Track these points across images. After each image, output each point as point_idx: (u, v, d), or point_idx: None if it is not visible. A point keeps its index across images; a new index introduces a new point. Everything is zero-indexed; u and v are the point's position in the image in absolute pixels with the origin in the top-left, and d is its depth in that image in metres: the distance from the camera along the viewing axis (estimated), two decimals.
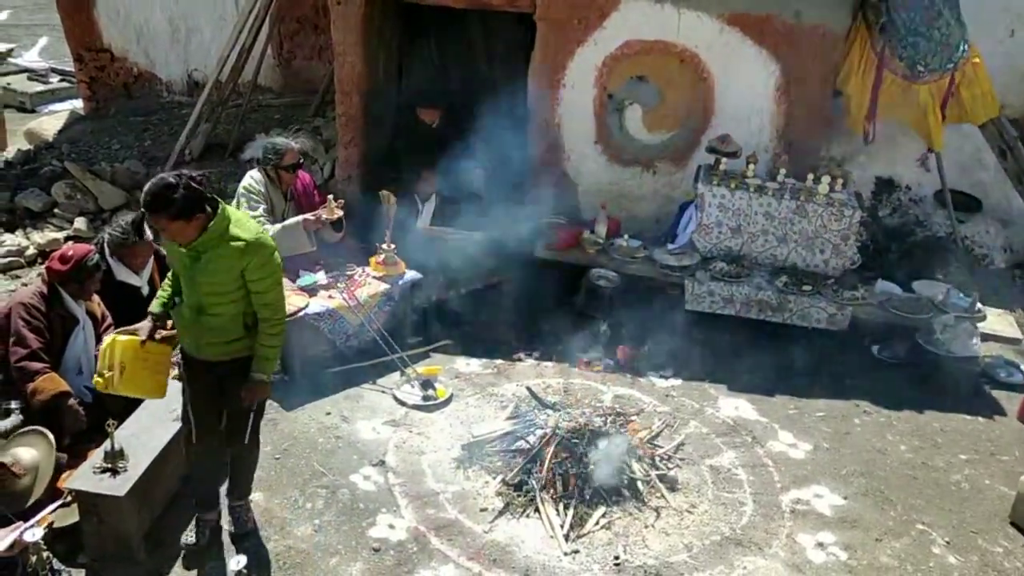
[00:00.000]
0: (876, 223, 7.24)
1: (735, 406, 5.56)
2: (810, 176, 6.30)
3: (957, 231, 7.15)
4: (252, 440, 4.06)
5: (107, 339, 3.91)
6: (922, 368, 5.81)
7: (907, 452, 5.21)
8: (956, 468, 5.09)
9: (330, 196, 5.85)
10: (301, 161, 5.88)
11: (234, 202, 5.74)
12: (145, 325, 3.89)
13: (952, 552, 4.42)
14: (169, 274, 3.95)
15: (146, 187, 3.53)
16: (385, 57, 7.25)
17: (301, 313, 5.43)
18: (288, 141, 5.85)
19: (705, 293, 6.14)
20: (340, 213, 5.76)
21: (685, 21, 6.38)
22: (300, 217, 5.74)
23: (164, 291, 3.92)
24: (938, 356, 5.81)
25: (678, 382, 5.78)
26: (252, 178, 5.78)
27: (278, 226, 5.65)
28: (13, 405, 4.41)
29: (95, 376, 3.89)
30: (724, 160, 6.41)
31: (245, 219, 3.76)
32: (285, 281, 5.61)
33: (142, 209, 3.62)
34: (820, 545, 4.42)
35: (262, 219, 5.60)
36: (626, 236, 6.58)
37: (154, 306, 3.92)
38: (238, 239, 3.60)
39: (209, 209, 3.57)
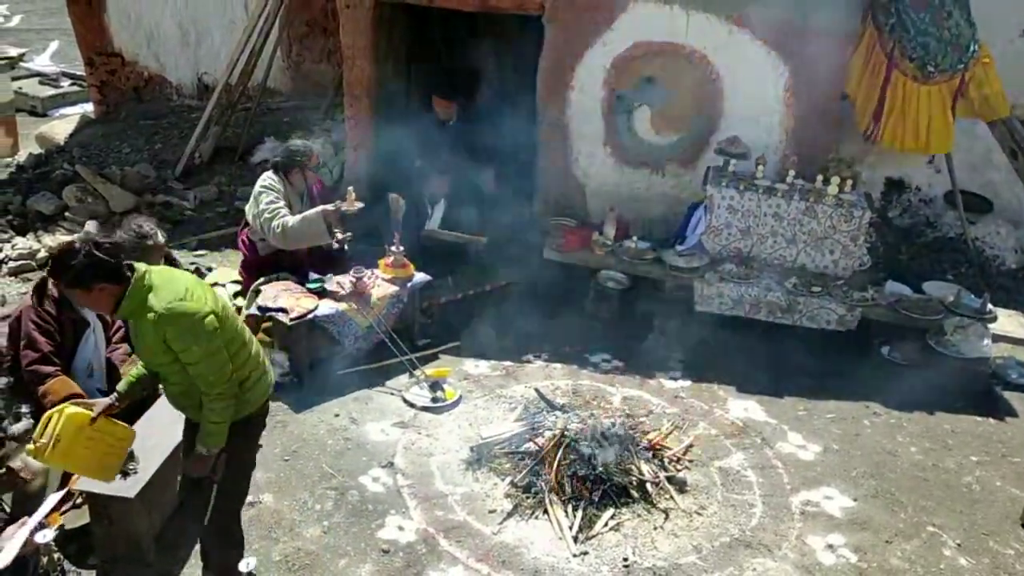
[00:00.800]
0: (886, 224, 7.22)
1: (744, 407, 5.55)
2: (819, 177, 6.29)
3: (968, 232, 7.12)
4: (196, 513, 3.70)
5: (56, 408, 3.55)
6: (932, 369, 5.78)
7: (917, 454, 5.19)
8: (967, 470, 5.06)
9: (350, 187, 5.84)
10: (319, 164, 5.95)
11: (251, 200, 5.79)
12: (103, 402, 3.60)
13: (963, 554, 4.40)
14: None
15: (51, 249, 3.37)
16: (394, 60, 7.27)
17: (310, 315, 5.45)
18: (309, 143, 5.89)
19: (714, 295, 6.13)
20: (360, 205, 5.76)
21: (694, 23, 6.37)
22: (320, 208, 5.74)
23: (135, 369, 3.68)
24: (949, 357, 5.78)
25: (687, 383, 5.77)
26: (270, 178, 5.82)
27: (298, 217, 5.66)
28: (24, 409, 4.43)
29: (28, 443, 3.61)
30: (733, 162, 6.40)
31: (166, 285, 3.37)
32: (292, 286, 5.68)
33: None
34: (830, 547, 4.40)
35: (281, 210, 5.65)
36: (635, 238, 6.58)
37: (121, 385, 3.68)
38: (151, 310, 3.29)
39: (116, 280, 3.28)
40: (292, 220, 5.64)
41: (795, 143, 6.59)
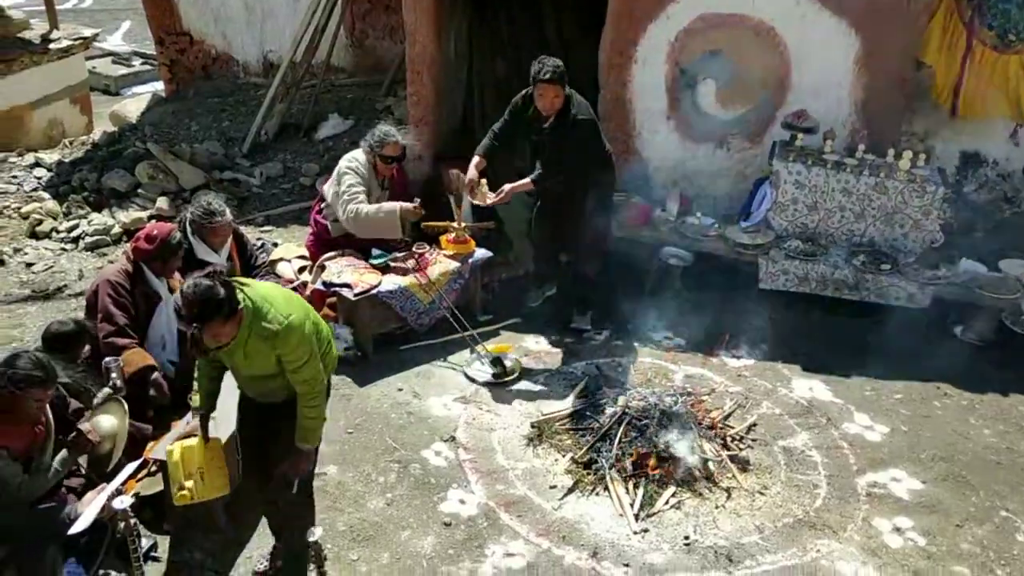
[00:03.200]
0: (960, 200, 6.98)
1: (809, 387, 5.46)
2: (890, 152, 6.11)
3: None
4: (301, 498, 3.90)
5: (170, 449, 3.81)
6: (1007, 349, 5.60)
7: (990, 436, 5.05)
8: None
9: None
10: (402, 156, 5.94)
11: (333, 177, 5.86)
12: (195, 424, 3.87)
13: None
14: (198, 365, 3.88)
15: (185, 297, 3.36)
16: (456, 36, 7.26)
17: (374, 291, 5.52)
18: (394, 132, 5.91)
19: (779, 271, 6.03)
20: (422, 213, 5.81)
21: None
22: (399, 204, 5.79)
23: (202, 383, 3.85)
24: None
25: (751, 362, 5.69)
26: (356, 159, 5.89)
27: (374, 207, 5.72)
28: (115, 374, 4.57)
29: (177, 492, 3.80)
30: (800, 136, 6.26)
31: (267, 303, 3.54)
32: (356, 261, 5.76)
33: (193, 325, 3.41)
34: (897, 530, 4.33)
35: (359, 195, 5.72)
36: (698, 214, 6.50)
37: (196, 401, 3.88)
38: (266, 330, 3.48)
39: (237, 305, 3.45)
40: (367, 209, 5.70)
41: (865, 116, 6.41)
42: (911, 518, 4.40)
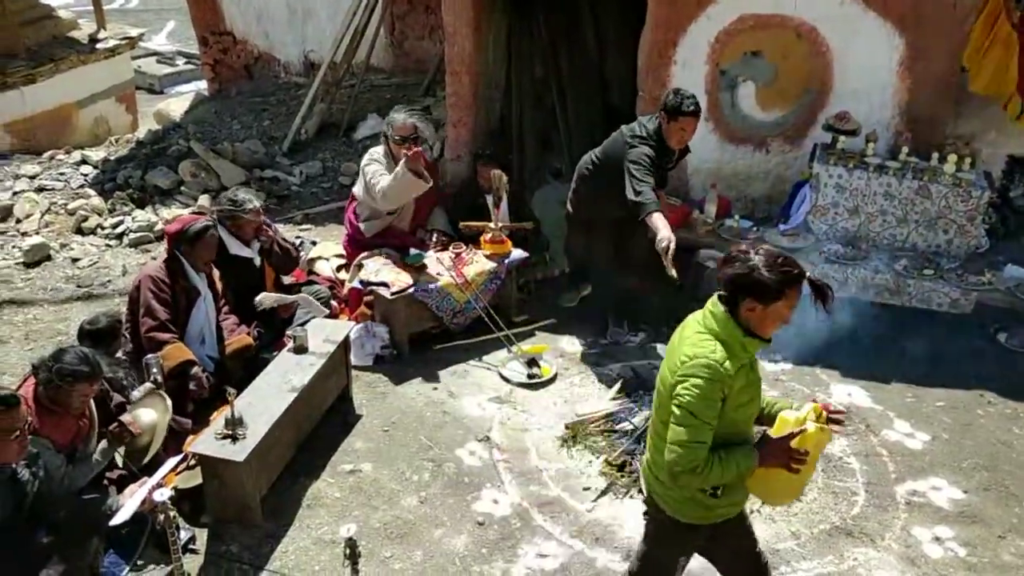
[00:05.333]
0: (1007, 204, 6.84)
1: (848, 392, 5.39)
2: (935, 155, 6.01)
3: None
4: None
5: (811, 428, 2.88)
6: None
7: None
8: None
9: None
10: (415, 136, 5.96)
11: (359, 177, 5.94)
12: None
13: None
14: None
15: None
16: (494, 37, 7.28)
17: (410, 290, 5.55)
18: (403, 115, 5.96)
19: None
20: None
21: None
22: (400, 164, 5.71)
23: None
24: None
25: (788, 366, 5.63)
26: (373, 152, 6.00)
27: (388, 177, 5.73)
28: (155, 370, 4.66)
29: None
30: (842, 138, 6.18)
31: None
32: (394, 260, 5.81)
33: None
34: (937, 539, 4.25)
35: (381, 176, 5.76)
36: (737, 216, 6.44)
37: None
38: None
39: None
40: (385, 182, 5.74)
41: (909, 119, 6.31)
42: (952, 528, 4.33)
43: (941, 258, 5.97)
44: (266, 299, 5.39)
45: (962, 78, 6.22)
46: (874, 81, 6.27)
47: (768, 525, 4.30)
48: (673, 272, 4.75)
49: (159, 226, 7.35)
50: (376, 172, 5.84)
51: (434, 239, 6.15)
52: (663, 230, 4.77)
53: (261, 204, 5.51)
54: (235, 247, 5.36)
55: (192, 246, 4.87)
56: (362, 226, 6.06)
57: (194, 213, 5.74)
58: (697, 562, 4.00)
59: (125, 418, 4.16)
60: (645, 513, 3.30)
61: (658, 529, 3.23)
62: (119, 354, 4.90)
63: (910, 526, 4.34)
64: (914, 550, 4.18)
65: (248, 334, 5.14)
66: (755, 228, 6.35)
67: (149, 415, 4.32)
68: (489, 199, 6.13)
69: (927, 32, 6.04)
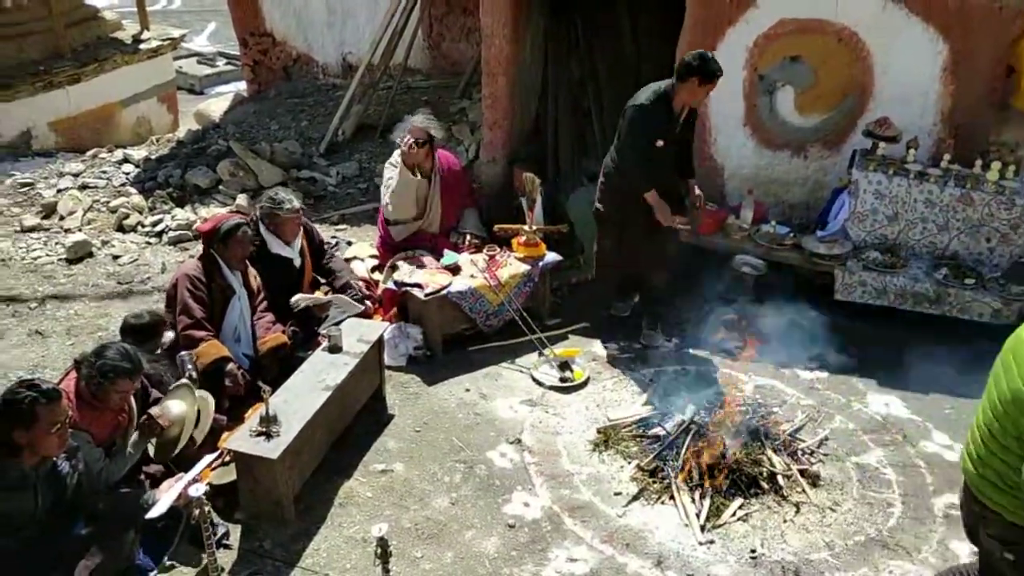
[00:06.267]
0: None
1: (885, 402, 5.31)
2: (978, 162, 5.91)
3: None
4: None
5: None
6: None
7: None
8: None
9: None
10: (427, 139, 6.00)
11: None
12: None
13: None
14: None
15: None
16: (532, 39, 7.28)
17: (444, 291, 5.57)
18: (416, 118, 6.01)
19: (856, 283, 5.88)
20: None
21: None
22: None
23: None
24: None
25: (824, 375, 5.57)
26: (389, 163, 6.10)
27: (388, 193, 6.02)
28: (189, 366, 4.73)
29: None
30: (882, 145, 6.09)
31: None
32: (428, 261, 5.84)
33: None
34: (976, 554, 4.17)
35: (385, 194, 5.99)
36: (773, 222, 6.38)
37: None
38: None
39: None
40: (386, 199, 6.00)
41: (952, 125, 6.20)
42: None
43: (983, 267, 5.87)
44: (301, 299, 5.44)
45: (1008, 83, 6.11)
46: (916, 87, 6.18)
47: (802, 535, 4.26)
48: (678, 223, 5.38)
49: (197, 224, 7.44)
50: (385, 194, 6.02)
51: (467, 241, 6.18)
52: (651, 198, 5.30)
53: (300, 205, 5.57)
54: (276, 246, 5.43)
55: (225, 244, 4.94)
56: (392, 230, 6.14)
57: (232, 212, 5.82)
58: (729, 570, 3.98)
59: (154, 411, 4.22)
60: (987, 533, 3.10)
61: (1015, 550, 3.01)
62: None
63: (948, 540, 4.26)
64: (952, 564, 4.11)
65: (283, 332, 5.19)
66: (792, 235, 6.29)
67: (178, 407, 4.38)
68: (523, 201, 6.14)
69: (971, 36, 5.94)
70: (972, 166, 5.93)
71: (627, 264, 5.87)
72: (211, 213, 7.54)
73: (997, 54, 5.99)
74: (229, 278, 5.01)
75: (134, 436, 4.18)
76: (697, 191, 5.65)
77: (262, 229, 5.38)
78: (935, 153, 6.14)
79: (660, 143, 5.29)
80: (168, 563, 3.95)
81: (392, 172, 6.02)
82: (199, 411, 4.40)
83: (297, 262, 5.55)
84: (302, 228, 5.57)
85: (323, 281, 5.80)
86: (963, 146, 6.07)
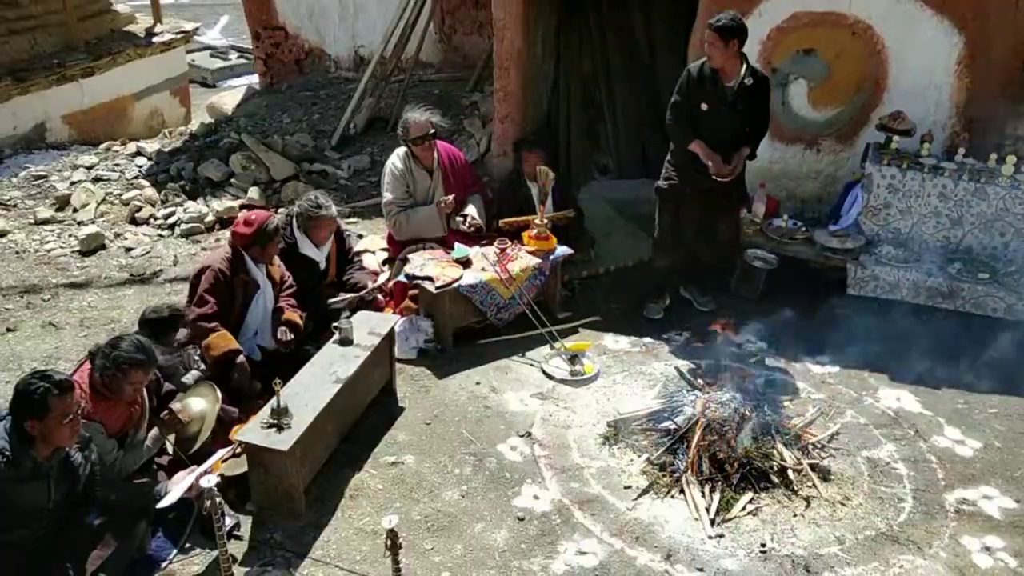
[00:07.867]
0: None
1: (897, 397, 5.29)
2: (992, 156, 5.87)
3: None
4: None
5: None
6: None
7: None
8: None
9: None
10: (431, 133, 5.98)
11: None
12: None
13: None
14: None
15: None
16: (544, 33, 7.26)
17: (455, 284, 5.57)
18: (415, 114, 5.98)
19: (869, 277, 5.86)
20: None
21: None
22: (434, 205, 5.98)
23: None
24: None
25: (835, 369, 5.54)
26: (396, 156, 6.04)
27: (410, 213, 5.94)
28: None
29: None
30: (896, 138, 6.06)
31: None
32: (439, 254, 5.84)
33: None
34: (987, 549, 4.15)
35: (394, 206, 5.95)
36: (785, 216, 6.36)
37: None
38: None
39: None
40: (404, 218, 5.93)
41: (966, 119, 6.16)
42: (1002, 538, 4.22)
43: (997, 262, 5.83)
44: (340, 300, 5.47)
45: (1022, 77, 6.06)
46: (930, 80, 6.14)
47: (812, 529, 4.25)
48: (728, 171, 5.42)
49: (209, 217, 7.47)
50: (390, 203, 5.99)
51: (466, 224, 6.11)
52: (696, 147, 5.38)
53: (338, 212, 5.58)
54: (306, 247, 5.46)
55: (264, 246, 4.95)
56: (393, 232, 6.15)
57: (246, 209, 5.83)
58: (738, 564, 3.97)
59: (175, 406, 4.25)
60: None
61: None
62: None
63: (959, 535, 4.25)
64: (962, 559, 4.10)
65: (300, 317, 5.18)
66: (804, 228, 6.27)
67: (199, 404, 4.41)
68: (534, 192, 6.13)
69: (987, 30, 5.89)
70: (987, 160, 5.89)
71: (683, 243, 5.85)
72: (224, 205, 7.57)
73: (1013, 47, 5.94)
74: (254, 272, 5.02)
75: (153, 431, 4.21)
76: (744, 152, 5.54)
77: (295, 227, 5.41)
78: (949, 147, 6.11)
79: (705, 106, 5.37)
80: (187, 545, 4.00)
81: (391, 189, 5.97)
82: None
83: (323, 266, 5.57)
84: (334, 234, 5.59)
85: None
86: (978, 140, 6.03)
